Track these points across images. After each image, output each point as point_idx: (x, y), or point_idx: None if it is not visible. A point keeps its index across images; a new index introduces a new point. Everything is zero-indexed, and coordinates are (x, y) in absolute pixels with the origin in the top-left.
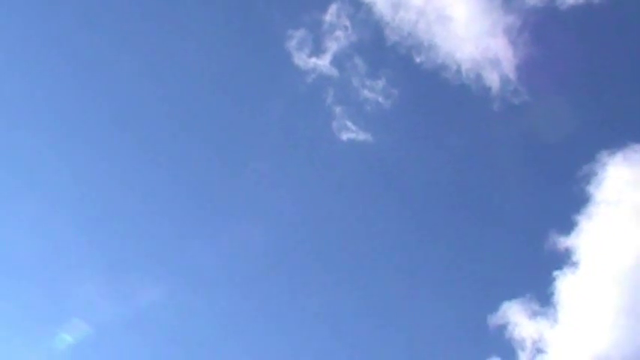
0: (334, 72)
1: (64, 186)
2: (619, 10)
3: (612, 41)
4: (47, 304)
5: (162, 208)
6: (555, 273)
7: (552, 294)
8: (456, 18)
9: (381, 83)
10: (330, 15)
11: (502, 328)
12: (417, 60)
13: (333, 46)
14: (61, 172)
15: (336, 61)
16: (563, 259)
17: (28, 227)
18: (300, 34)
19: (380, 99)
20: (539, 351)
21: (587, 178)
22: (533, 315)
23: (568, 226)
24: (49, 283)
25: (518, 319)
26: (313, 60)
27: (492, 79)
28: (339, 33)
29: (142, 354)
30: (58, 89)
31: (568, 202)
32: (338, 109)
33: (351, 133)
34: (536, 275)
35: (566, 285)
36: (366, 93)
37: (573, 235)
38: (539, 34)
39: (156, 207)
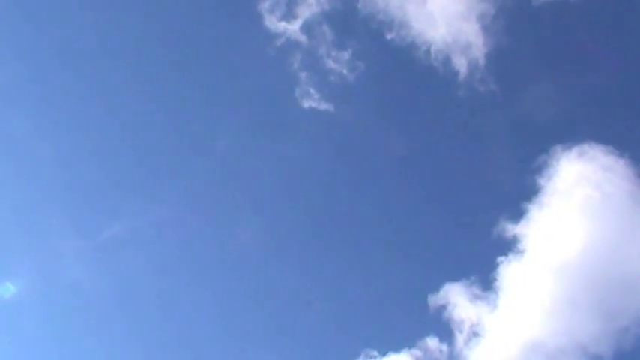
0: (303, 38)
1: None
2: (589, 13)
3: (581, 42)
4: None
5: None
6: (500, 259)
7: (495, 279)
8: None
9: (347, 55)
10: None
11: (442, 308)
12: (387, 36)
13: (304, 13)
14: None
15: (306, 27)
16: (509, 246)
17: None
18: None
19: (344, 70)
20: (475, 334)
21: (541, 169)
22: (474, 298)
23: (518, 214)
24: None
25: (458, 301)
26: (283, 24)
27: (461, 64)
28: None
29: None
30: None
31: (520, 191)
32: (303, 77)
33: (312, 101)
34: (481, 260)
35: (509, 272)
36: (331, 63)
37: (522, 223)
38: (512, 26)
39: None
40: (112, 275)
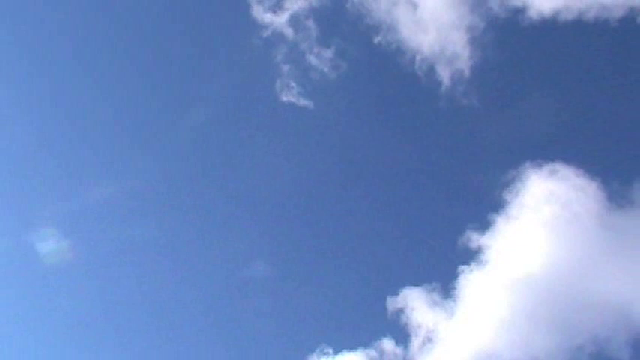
0: (289, 32)
1: None
2: (574, 36)
3: (566, 64)
4: None
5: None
6: (462, 268)
7: (455, 288)
8: (422, 5)
9: (331, 53)
10: None
11: (400, 311)
12: (374, 39)
13: (292, 6)
14: None
15: (293, 21)
16: (472, 256)
17: None
18: None
19: (326, 69)
20: (430, 340)
21: (512, 183)
22: (433, 305)
23: (484, 225)
24: None
25: (417, 305)
26: (270, 15)
27: (444, 75)
28: None
29: None
30: None
31: (489, 203)
32: (284, 70)
33: (292, 96)
34: (443, 267)
35: (470, 281)
36: (314, 60)
37: (487, 235)
38: (499, 41)
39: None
40: (82, 249)
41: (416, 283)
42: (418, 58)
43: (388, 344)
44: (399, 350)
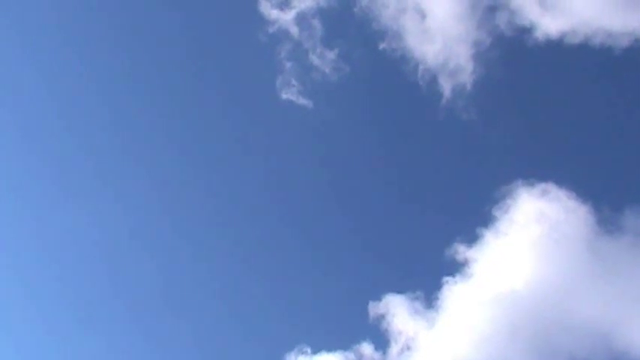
0: (294, 30)
1: None
2: (577, 60)
3: (566, 86)
4: None
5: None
6: (446, 279)
7: (438, 298)
8: (430, 15)
9: (334, 55)
10: None
11: (381, 317)
12: (378, 44)
13: (300, 4)
14: None
15: (299, 19)
16: (458, 268)
17: None
18: None
19: (328, 70)
20: (409, 348)
21: (502, 200)
22: (415, 313)
23: (472, 238)
24: None
25: (398, 312)
26: (277, 12)
27: (446, 87)
28: None
29: None
30: None
31: (478, 217)
32: (287, 68)
33: (291, 95)
34: (428, 276)
35: (453, 293)
36: (316, 60)
37: (475, 248)
38: (504, 59)
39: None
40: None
41: (399, 290)
42: (421, 67)
43: (367, 349)
44: (377, 355)
